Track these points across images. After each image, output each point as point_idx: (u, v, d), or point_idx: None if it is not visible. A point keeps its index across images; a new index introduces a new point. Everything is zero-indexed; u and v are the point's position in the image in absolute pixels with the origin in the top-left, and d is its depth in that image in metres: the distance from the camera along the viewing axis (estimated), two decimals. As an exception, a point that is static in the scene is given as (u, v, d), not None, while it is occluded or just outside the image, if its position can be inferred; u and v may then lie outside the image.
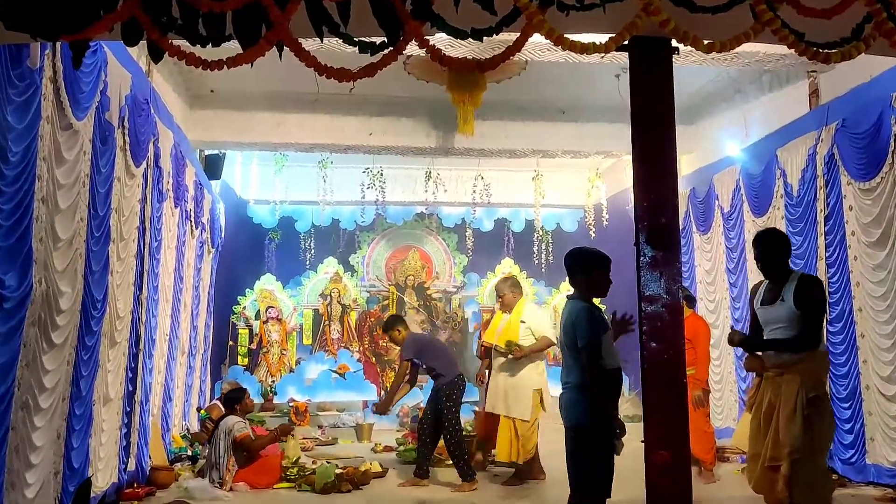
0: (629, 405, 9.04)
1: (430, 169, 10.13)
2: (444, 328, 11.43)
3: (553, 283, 12.12)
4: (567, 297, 3.64)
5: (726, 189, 7.65)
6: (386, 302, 11.70)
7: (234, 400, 6.10)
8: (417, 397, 8.91)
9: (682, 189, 8.66)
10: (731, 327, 4.66)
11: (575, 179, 11.39)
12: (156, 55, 2.81)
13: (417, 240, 12.58)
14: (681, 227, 8.65)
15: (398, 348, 6.21)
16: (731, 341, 3.77)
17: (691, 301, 6.12)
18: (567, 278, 3.66)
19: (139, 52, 5.44)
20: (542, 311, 6.41)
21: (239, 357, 10.61)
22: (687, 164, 8.75)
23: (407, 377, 6.00)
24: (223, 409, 6.36)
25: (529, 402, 5.74)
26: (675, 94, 3.20)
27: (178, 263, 6.78)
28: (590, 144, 8.56)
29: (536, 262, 11.74)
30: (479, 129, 7.68)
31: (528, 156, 8.87)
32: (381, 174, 10.00)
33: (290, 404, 9.24)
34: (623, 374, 3.52)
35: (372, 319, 11.21)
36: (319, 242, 12.08)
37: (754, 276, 6.86)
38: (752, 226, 7.07)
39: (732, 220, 7.53)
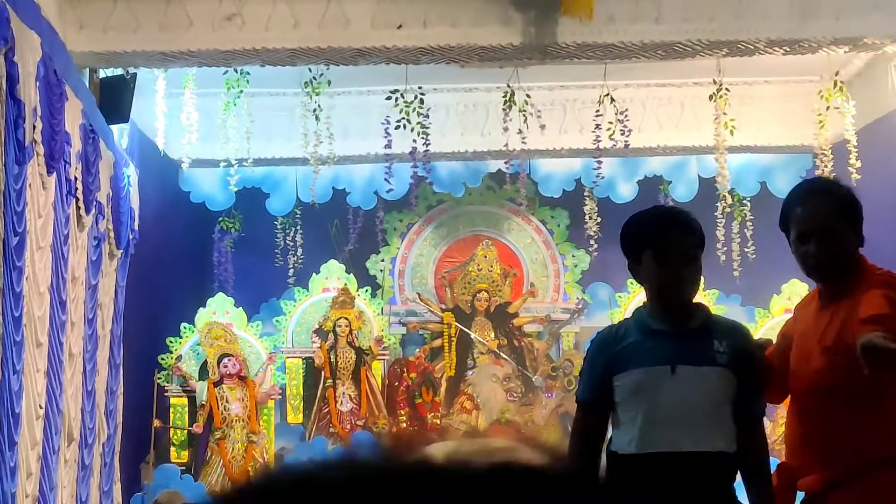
0: None
1: (511, 87, 10.13)
2: (547, 389, 11.43)
3: (756, 300, 11.90)
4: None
5: None
6: (437, 342, 11.78)
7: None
8: None
9: None
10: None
11: (793, 99, 11.19)
12: None
13: (493, 223, 12.58)
14: None
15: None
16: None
17: None
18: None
19: None
20: None
21: (173, 449, 10.81)
22: None
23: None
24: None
25: None
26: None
27: (56, 277, 6.95)
28: (819, 27, 8.45)
29: (723, 257, 11.58)
30: (602, 8, 7.58)
31: (699, 54, 8.79)
32: (422, 102, 10.04)
33: None
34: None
35: (412, 374, 11.26)
36: (311, 234, 12.18)
37: None
38: None
39: None
